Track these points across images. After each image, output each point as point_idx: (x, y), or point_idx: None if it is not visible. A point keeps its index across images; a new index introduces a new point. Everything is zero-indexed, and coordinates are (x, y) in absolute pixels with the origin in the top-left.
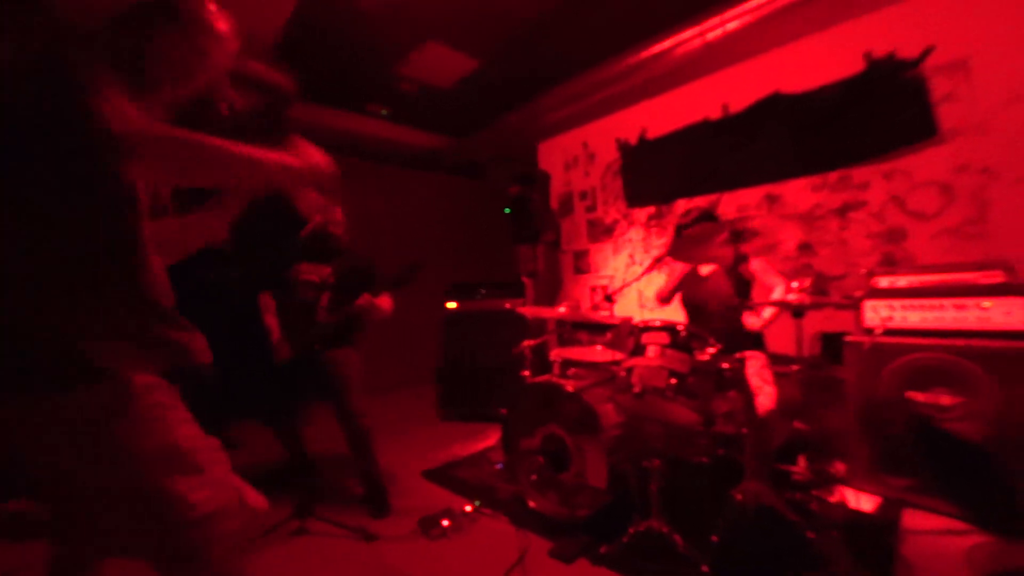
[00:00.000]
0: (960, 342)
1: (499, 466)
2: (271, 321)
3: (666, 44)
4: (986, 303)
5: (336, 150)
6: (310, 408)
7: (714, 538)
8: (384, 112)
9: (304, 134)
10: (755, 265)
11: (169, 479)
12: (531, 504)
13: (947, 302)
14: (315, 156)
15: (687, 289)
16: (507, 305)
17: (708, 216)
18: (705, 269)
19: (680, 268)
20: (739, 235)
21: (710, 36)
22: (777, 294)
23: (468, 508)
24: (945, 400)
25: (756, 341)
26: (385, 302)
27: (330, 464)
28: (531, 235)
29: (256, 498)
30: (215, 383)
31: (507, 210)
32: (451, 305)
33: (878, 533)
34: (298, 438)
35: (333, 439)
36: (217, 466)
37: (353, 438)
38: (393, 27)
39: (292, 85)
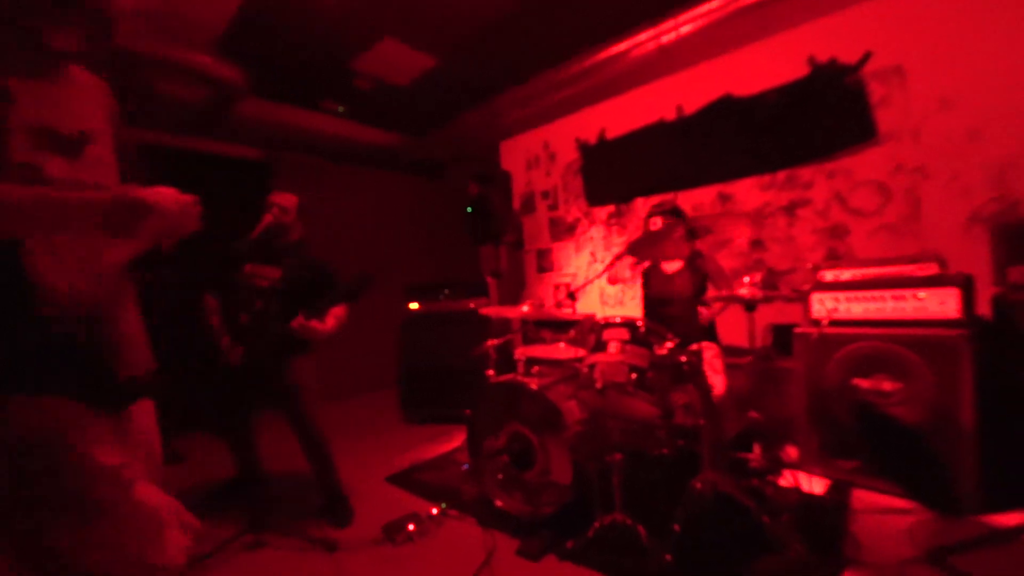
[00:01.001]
0: (899, 331)
1: (465, 467)
2: (215, 322)
3: (622, 46)
4: (921, 294)
5: (290, 147)
6: (262, 417)
7: (676, 527)
8: (340, 109)
9: (256, 131)
10: (708, 264)
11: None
12: (497, 503)
13: (887, 293)
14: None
15: (653, 286)
16: (471, 305)
17: (674, 211)
18: (671, 267)
19: (634, 264)
20: (694, 232)
21: (664, 39)
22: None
23: (434, 511)
24: (886, 386)
25: (709, 333)
26: (331, 319)
27: (287, 476)
28: (493, 235)
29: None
30: (160, 392)
31: (469, 209)
32: (414, 306)
33: (828, 514)
34: (251, 448)
35: (288, 451)
36: None
37: (309, 447)
38: (348, 21)
39: (241, 78)
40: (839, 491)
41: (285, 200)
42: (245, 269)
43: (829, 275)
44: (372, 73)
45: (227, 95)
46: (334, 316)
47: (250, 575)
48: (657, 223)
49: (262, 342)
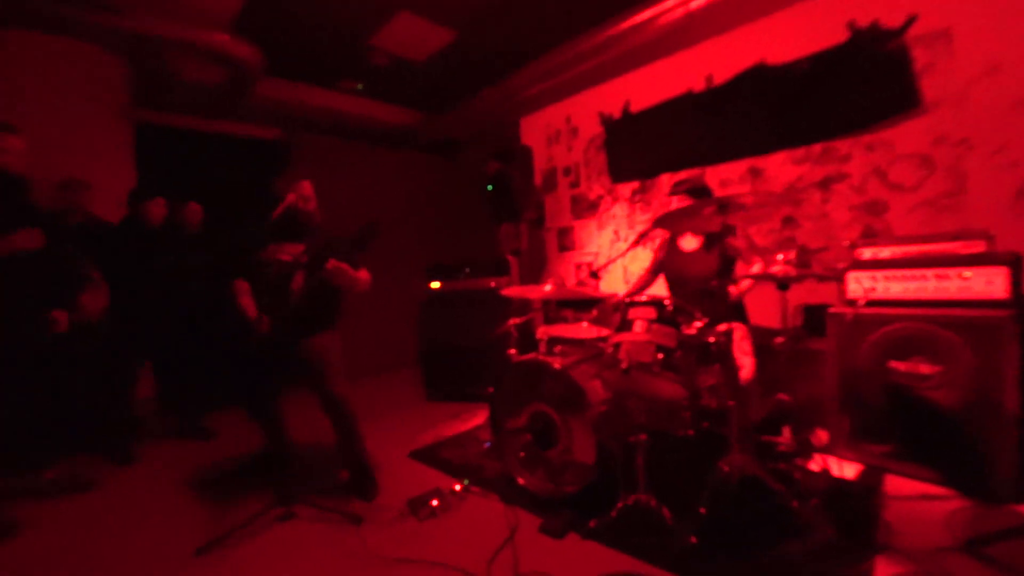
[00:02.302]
0: (940, 312)
1: (487, 445)
2: (247, 303)
3: (648, 13)
4: (967, 273)
5: (307, 127)
6: (289, 393)
7: (701, 509)
8: (359, 86)
9: (273, 110)
10: (739, 241)
11: None
12: (520, 481)
13: (929, 272)
14: None
15: (669, 263)
16: (492, 284)
17: (700, 189)
18: (687, 244)
19: (656, 245)
20: (726, 207)
21: (693, 5)
22: (756, 268)
23: (457, 487)
24: (924, 369)
25: (738, 313)
26: (363, 274)
27: (315, 451)
28: (513, 213)
29: None
30: (189, 368)
31: (489, 187)
32: (435, 285)
33: (860, 499)
34: (279, 423)
35: (316, 425)
36: None
37: (337, 422)
38: None
39: (258, 58)
40: (871, 476)
41: (304, 188)
42: (268, 247)
43: (867, 253)
44: (389, 49)
45: (244, 75)
46: (364, 272)
47: (279, 547)
48: (679, 201)
49: (289, 315)
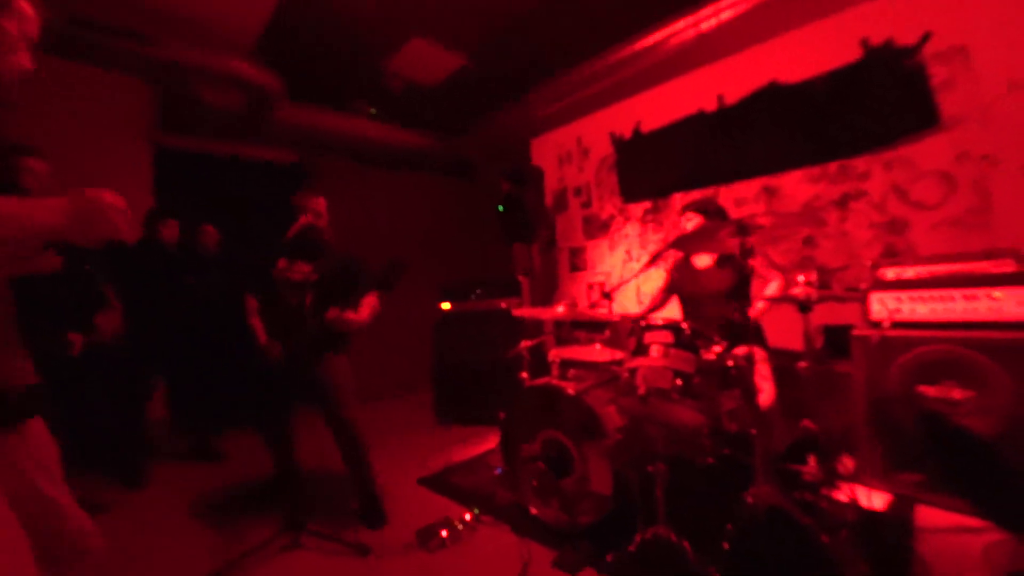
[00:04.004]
0: (971, 334)
1: (499, 471)
2: (255, 323)
3: (659, 35)
4: (997, 293)
5: (324, 150)
6: (299, 416)
7: (724, 544)
8: (372, 112)
9: (291, 134)
10: (756, 259)
11: None
12: (532, 511)
13: (956, 293)
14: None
15: (683, 283)
16: (503, 305)
17: (712, 207)
18: (701, 261)
19: (669, 265)
20: (745, 228)
21: (704, 26)
22: (772, 288)
23: (467, 516)
24: (956, 394)
25: (756, 336)
26: (365, 309)
27: (322, 476)
28: (525, 233)
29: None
30: (202, 389)
31: (500, 208)
32: (446, 306)
33: (892, 532)
34: (288, 447)
35: (325, 450)
36: None
37: (346, 448)
38: (378, 23)
39: (277, 84)
40: (902, 507)
41: (317, 204)
42: (279, 265)
43: (891, 273)
44: (403, 74)
45: (263, 100)
46: (368, 305)
47: None
48: (691, 220)
49: (298, 336)
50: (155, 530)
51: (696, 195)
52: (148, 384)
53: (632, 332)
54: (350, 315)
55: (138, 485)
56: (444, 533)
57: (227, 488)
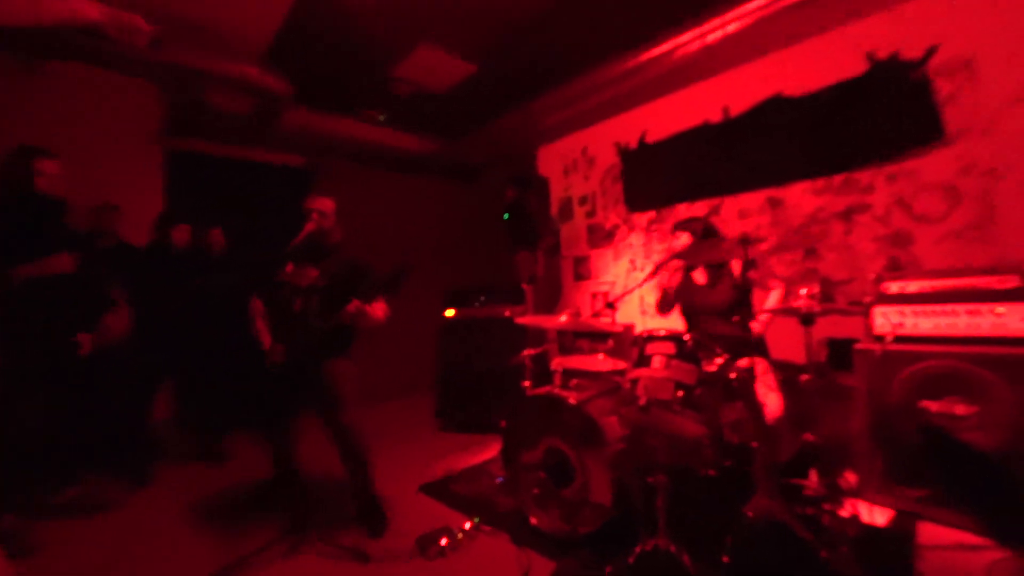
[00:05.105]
0: (974, 349)
1: (500, 480)
2: (261, 325)
3: (665, 47)
4: (1000, 308)
5: (331, 154)
6: (302, 420)
7: (724, 558)
8: (381, 118)
9: (299, 139)
10: (757, 272)
11: None
12: (533, 520)
13: (960, 307)
14: None
15: (684, 297)
16: (507, 313)
17: (706, 229)
18: (701, 277)
19: (667, 275)
20: (747, 241)
21: (710, 38)
22: (772, 299)
23: (467, 525)
24: (960, 409)
25: (759, 347)
26: (379, 309)
27: (324, 481)
28: (529, 240)
29: None
30: (209, 390)
31: (506, 215)
32: (449, 313)
33: (892, 547)
34: (290, 451)
35: (325, 456)
36: None
37: (347, 455)
38: (387, 30)
39: (287, 89)
40: (903, 523)
41: (324, 205)
42: (286, 269)
43: (894, 287)
44: (410, 79)
45: (273, 105)
46: (381, 308)
47: None
48: (681, 239)
49: (303, 339)
50: (157, 531)
51: (699, 207)
52: (154, 385)
53: (635, 342)
54: (369, 309)
55: (143, 484)
56: (444, 541)
57: (231, 490)
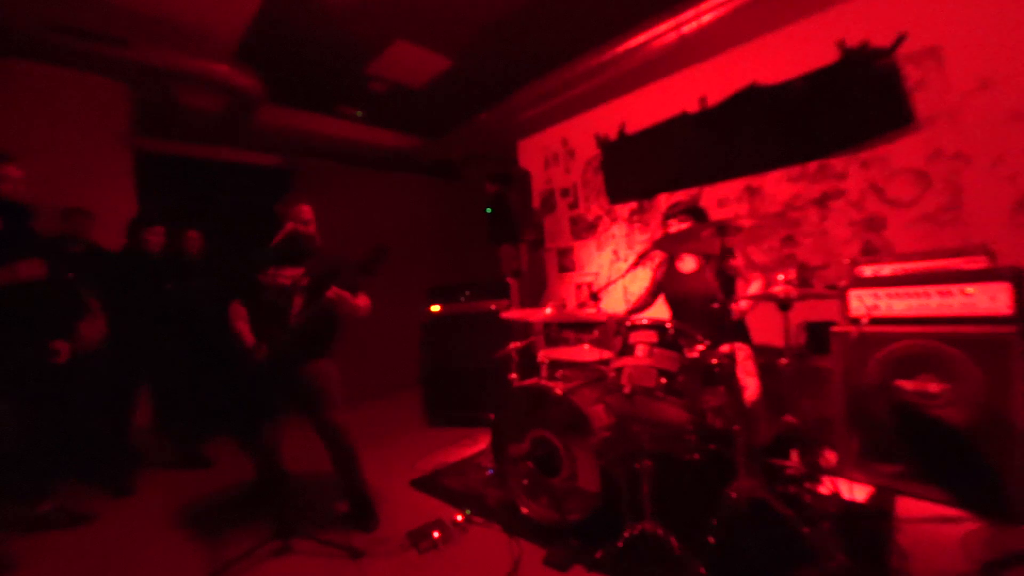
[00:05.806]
0: (945, 328)
1: (489, 472)
2: (243, 328)
3: (641, 38)
4: (970, 289)
5: (308, 153)
6: (286, 421)
7: (710, 539)
8: (359, 114)
9: (274, 137)
10: (737, 259)
11: None
12: (523, 510)
13: (932, 289)
14: None
15: (668, 286)
16: (492, 307)
17: (695, 210)
18: (686, 266)
19: (655, 265)
20: (725, 229)
21: (685, 29)
22: (754, 287)
23: (459, 518)
24: (932, 387)
25: (740, 333)
26: (362, 300)
27: (313, 480)
28: (511, 234)
29: None
30: (188, 396)
31: (488, 210)
32: (435, 308)
33: (871, 523)
34: (274, 453)
35: (309, 455)
36: None
37: (335, 453)
38: (361, 26)
39: (258, 86)
40: (882, 498)
41: (303, 212)
42: (268, 271)
43: (868, 270)
44: (386, 76)
45: (245, 103)
46: (363, 298)
47: None
48: (675, 225)
49: (287, 339)
50: (143, 539)
51: (680, 196)
52: (132, 393)
53: (618, 332)
54: (349, 296)
55: (125, 493)
56: (436, 534)
57: (216, 495)
